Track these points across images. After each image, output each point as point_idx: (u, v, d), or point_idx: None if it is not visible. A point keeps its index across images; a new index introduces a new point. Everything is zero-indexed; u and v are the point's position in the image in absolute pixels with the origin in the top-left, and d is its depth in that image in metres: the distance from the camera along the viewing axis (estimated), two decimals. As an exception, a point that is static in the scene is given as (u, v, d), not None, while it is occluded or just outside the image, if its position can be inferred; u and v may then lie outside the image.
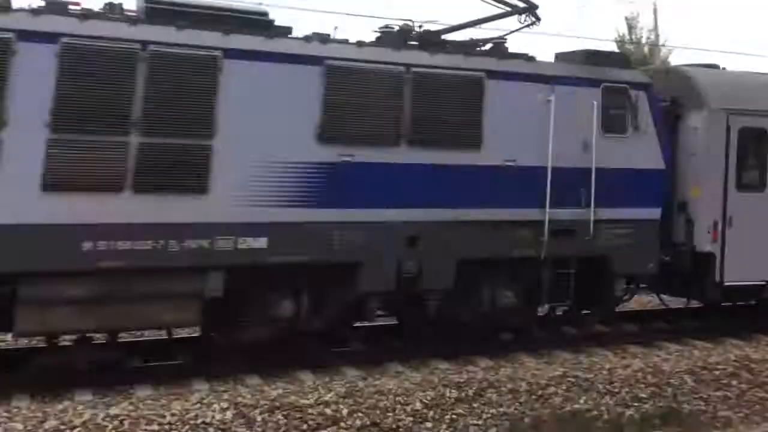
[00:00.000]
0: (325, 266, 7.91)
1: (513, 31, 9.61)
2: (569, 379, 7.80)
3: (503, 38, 9.42)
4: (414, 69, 8.34)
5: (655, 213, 9.46)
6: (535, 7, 9.36)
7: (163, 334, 8.29)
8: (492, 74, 8.70)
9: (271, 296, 7.81)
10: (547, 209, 8.72)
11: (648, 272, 9.53)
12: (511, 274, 8.95)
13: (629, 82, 9.42)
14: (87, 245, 6.78)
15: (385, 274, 8.10)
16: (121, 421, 5.96)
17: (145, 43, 7.02)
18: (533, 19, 9.43)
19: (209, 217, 7.26)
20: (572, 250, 8.96)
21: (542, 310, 9.67)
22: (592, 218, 8.92)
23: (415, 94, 8.28)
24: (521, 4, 9.27)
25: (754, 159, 10.15)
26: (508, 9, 9.28)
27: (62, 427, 5.82)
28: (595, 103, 9.04)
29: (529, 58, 9.20)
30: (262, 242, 7.50)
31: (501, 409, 6.99)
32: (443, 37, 9.30)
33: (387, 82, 8.14)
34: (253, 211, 7.44)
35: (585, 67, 9.48)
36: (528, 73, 8.97)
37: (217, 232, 7.30)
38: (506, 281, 8.92)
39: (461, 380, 7.50)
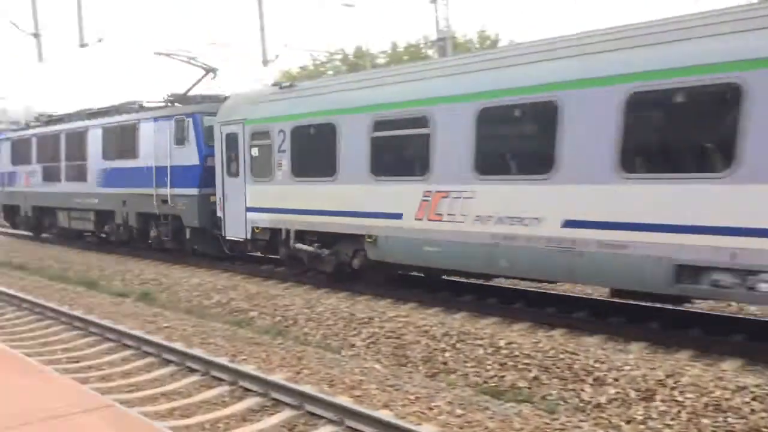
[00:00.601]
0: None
1: (194, 84, 16.85)
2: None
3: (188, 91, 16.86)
4: (111, 125, 18.16)
5: (194, 191, 15.34)
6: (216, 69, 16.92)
7: None
8: (140, 120, 17.10)
9: None
10: (154, 188, 16.34)
11: (196, 225, 15.45)
12: (158, 220, 16.82)
13: (184, 114, 15.68)
14: None
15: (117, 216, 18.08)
16: None
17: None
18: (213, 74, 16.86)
19: None
20: (168, 211, 16.14)
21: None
22: (169, 193, 15.89)
23: (117, 137, 17.90)
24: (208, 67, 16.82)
25: (234, 155, 14.04)
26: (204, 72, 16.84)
27: None
28: (169, 128, 15.96)
29: (157, 109, 17.03)
30: None
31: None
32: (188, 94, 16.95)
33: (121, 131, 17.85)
34: None
35: (168, 108, 16.72)
36: (147, 117, 16.91)
37: None
38: (157, 224, 16.87)
39: None
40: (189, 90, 16.76)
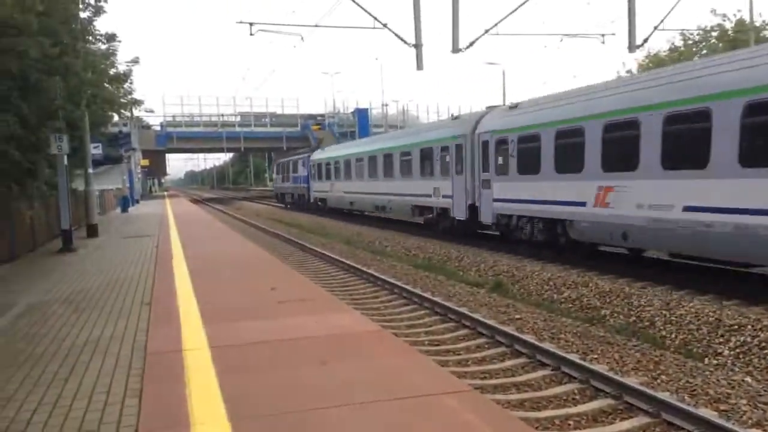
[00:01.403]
0: None
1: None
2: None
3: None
4: (293, 159, 49.53)
5: (305, 185, 43.82)
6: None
7: None
8: (300, 158, 46.18)
9: None
10: (301, 184, 45.75)
11: (308, 197, 43.18)
12: (301, 196, 46.11)
13: (306, 156, 44.23)
14: None
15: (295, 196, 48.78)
16: None
17: None
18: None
19: None
20: (302, 192, 44.87)
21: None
22: (303, 186, 45.25)
23: (293, 165, 48.63)
24: None
25: (311, 172, 42.90)
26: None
27: None
28: (304, 162, 43.90)
29: (302, 154, 47.16)
30: None
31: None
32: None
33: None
34: None
35: (305, 154, 45.79)
36: (302, 157, 46.41)
37: None
38: (301, 197, 46.37)
39: None
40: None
